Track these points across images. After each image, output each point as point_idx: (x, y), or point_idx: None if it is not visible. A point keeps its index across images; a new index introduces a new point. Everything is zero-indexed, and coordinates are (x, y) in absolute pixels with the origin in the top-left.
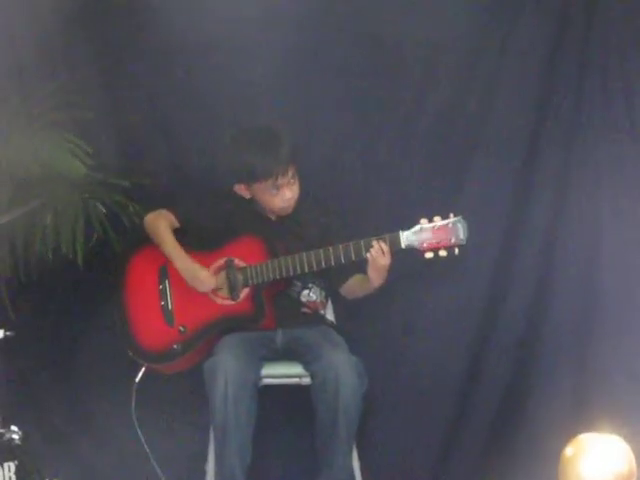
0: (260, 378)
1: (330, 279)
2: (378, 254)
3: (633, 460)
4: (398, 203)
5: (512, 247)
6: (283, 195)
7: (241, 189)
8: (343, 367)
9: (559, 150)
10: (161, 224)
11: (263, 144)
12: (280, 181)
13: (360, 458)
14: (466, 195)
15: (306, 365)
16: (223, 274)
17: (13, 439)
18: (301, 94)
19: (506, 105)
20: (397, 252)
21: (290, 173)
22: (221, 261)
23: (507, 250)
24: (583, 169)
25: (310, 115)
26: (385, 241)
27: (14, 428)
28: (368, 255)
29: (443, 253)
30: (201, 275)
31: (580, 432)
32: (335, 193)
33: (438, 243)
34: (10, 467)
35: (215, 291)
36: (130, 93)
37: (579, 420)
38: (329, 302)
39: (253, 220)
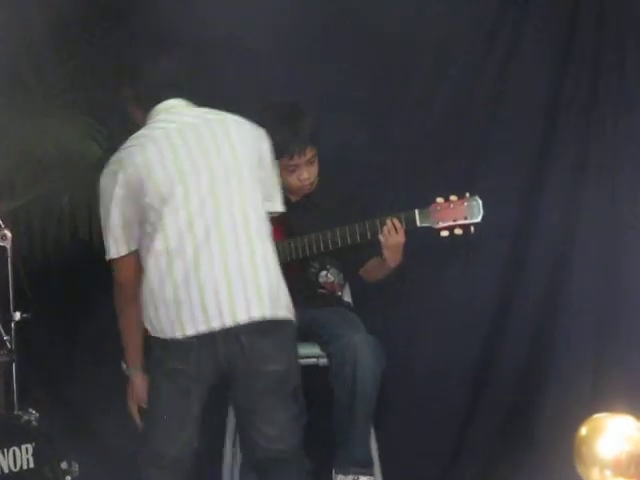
0: None
1: (349, 262)
2: (392, 232)
3: None
4: (413, 182)
5: (528, 227)
6: (300, 174)
7: None
8: (361, 347)
9: (577, 128)
10: None
11: (285, 120)
12: (297, 160)
13: (378, 440)
14: (482, 175)
15: (323, 346)
16: None
17: (30, 421)
18: (313, 72)
19: (522, 83)
20: (412, 231)
21: (309, 154)
22: None
23: (523, 231)
24: (602, 147)
25: (322, 94)
26: (400, 219)
27: (31, 410)
28: (382, 233)
29: (459, 232)
30: None
31: (596, 412)
32: (349, 173)
33: (454, 221)
34: (28, 449)
35: None
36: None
37: (595, 401)
38: (347, 285)
39: None
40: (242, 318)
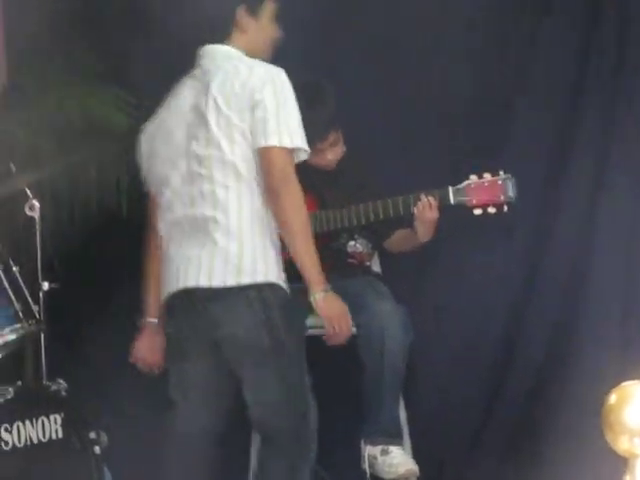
0: (306, 328)
1: (376, 233)
2: (426, 208)
3: None
4: (444, 160)
5: (554, 203)
6: (324, 157)
7: None
8: (389, 317)
9: (603, 101)
10: None
11: (304, 108)
12: (320, 146)
13: (407, 409)
14: (508, 151)
15: (352, 315)
16: None
17: (59, 391)
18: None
19: (548, 57)
20: (446, 208)
21: (331, 138)
22: None
23: (549, 207)
24: (628, 120)
25: (339, 69)
26: (434, 196)
27: (60, 380)
28: (416, 209)
29: (492, 210)
30: None
31: (624, 380)
32: (380, 150)
33: (487, 200)
34: (56, 419)
35: None
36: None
37: (624, 368)
38: (375, 254)
39: (302, 169)
40: (188, 283)
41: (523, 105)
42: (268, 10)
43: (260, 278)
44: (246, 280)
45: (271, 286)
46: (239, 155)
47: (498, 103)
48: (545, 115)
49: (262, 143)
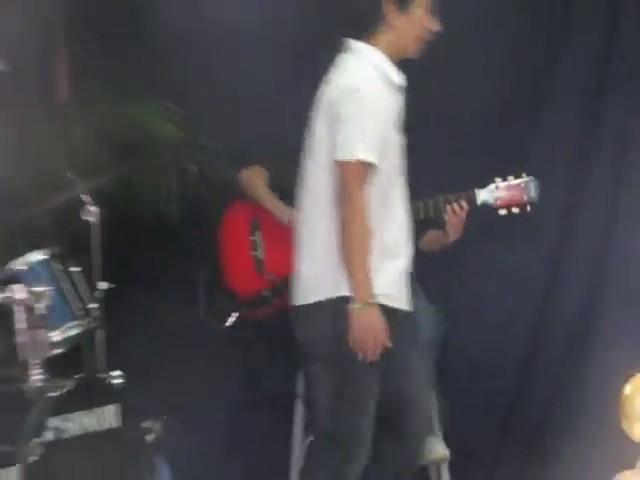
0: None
1: None
2: (456, 211)
3: None
4: (471, 162)
5: (576, 203)
6: None
7: None
8: (421, 314)
9: (624, 103)
10: (258, 181)
11: None
12: None
13: (438, 403)
14: (532, 153)
15: None
16: None
17: (114, 382)
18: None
19: (571, 59)
20: (472, 209)
21: None
22: None
23: (571, 207)
24: None
25: None
26: (462, 199)
27: (115, 372)
28: (445, 213)
29: (516, 210)
30: None
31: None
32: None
33: (511, 200)
34: (111, 409)
35: None
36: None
37: None
38: None
39: None
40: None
41: (545, 107)
42: (420, 2)
43: (329, 294)
44: (315, 298)
45: (345, 299)
46: (328, 170)
47: (518, 106)
48: (567, 117)
49: (333, 157)
